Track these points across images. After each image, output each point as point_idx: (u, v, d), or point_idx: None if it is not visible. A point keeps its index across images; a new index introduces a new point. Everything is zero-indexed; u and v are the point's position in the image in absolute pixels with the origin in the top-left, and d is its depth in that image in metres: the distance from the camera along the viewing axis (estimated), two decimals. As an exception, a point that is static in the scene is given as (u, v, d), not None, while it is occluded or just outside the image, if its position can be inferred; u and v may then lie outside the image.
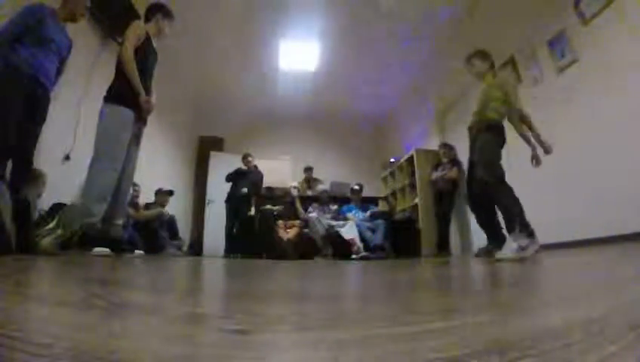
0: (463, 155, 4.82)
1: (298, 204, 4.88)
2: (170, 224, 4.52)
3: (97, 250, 2.04)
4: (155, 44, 2.51)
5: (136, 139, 2.40)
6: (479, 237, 4.43)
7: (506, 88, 2.46)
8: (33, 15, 2.09)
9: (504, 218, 2.26)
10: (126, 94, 2.26)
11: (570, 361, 0.21)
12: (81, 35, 3.09)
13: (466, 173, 2.70)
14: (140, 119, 2.42)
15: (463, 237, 4.76)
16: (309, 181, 6.04)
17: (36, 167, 2.52)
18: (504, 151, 2.44)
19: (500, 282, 0.93)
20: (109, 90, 2.27)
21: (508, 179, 2.36)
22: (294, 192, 5.08)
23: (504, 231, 2.36)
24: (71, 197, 3.11)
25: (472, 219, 4.57)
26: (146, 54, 2.33)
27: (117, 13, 3.51)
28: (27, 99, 2.05)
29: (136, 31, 2.31)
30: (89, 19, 3.39)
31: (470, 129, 2.62)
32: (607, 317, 0.35)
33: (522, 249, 1.99)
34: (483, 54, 2.74)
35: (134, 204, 3.93)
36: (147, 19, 2.51)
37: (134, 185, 3.75)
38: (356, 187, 5.04)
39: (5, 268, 1.05)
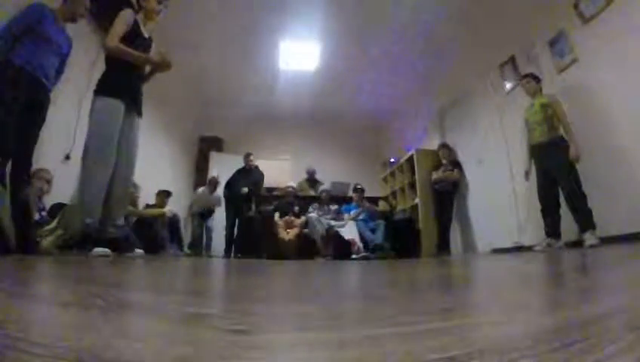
0: (463, 155, 4.83)
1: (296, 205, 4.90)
2: (173, 224, 4.52)
3: (97, 250, 2.04)
4: (146, 33, 2.43)
5: (130, 132, 2.32)
6: (481, 238, 4.44)
7: (556, 107, 2.98)
8: (33, 15, 2.09)
9: (580, 216, 2.69)
10: (114, 85, 2.22)
11: (570, 361, 0.21)
12: (81, 34, 3.09)
13: (539, 179, 3.09)
14: (135, 111, 2.36)
15: (464, 237, 4.76)
16: (312, 181, 6.04)
17: (38, 167, 2.52)
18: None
19: (500, 281, 0.93)
20: (98, 83, 2.24)
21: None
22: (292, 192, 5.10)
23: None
24: (71, 197, 3.12)
25: (474, 219, 4.59)
26: (131, 42, 2.26)
27: (117, 13, 3.50)
28: (27, 99, 2.05)
29: (121, 20, 2.26)
30: (89, 20, 3.39)
31: (540, 145, 3.05)
32: (607, 317, 0.35)
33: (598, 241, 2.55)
34: (535, 76, 3.24)
35: (134, 205, 3.92)
36: (139, 9, 2.45)
37: (134, 185, 3.75)
38: (359, 186, 5.04)
39: (5, 268, 1.05)
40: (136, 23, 2.34)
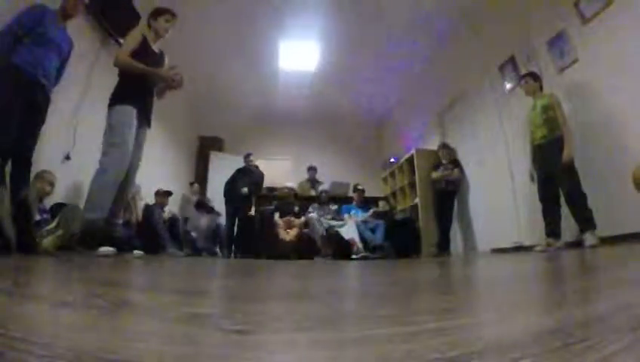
0: (463, 155, 4.83)
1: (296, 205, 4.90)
2: (172, 224, 4.51)
3: (102, 249, 2.04)
4: (156, 48, 2.53)
5: (137, 141, 2.40)
6: (481, 238, 4.44)
7: (556, 107, 2.97)
8: (34, 15, 2.09)
9: (580, 216, 2.69)
10: (124, 94, 2.30)
11: (570, 361, 0.21)
12: (81, 35, 3.09)
13: (540, 179, 3.08)
14: (145, 121, 2.44)
15: (464, 237, 4.76)
16: (313, 181, 6.03)
17: (39, 167, 2.52)
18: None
19: (500, 281, 0.92)
20: (110, 96, 2.33)
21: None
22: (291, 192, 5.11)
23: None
24: (71, 197, 3.11)
25: (474, 219, 4.59)
26: (142, 58, 2.35)
27: (117, 14, 3.51)
28: (27, 100, 2.05)
29: (130, 37, 2.39)
30: (89, 19, 3.39)
31: (540, 146, 3.05)
32: (607, 317, 0.35)
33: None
34: (534, 75, 3.23)
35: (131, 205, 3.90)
36: (149, 26, 2.56)
37: (136, 186, 3.73)
38: (360, 187, 5.04)
39: (5, 268, 1.05)
40: (145, 40, 2.44)
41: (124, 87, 2.32)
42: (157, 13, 2.55)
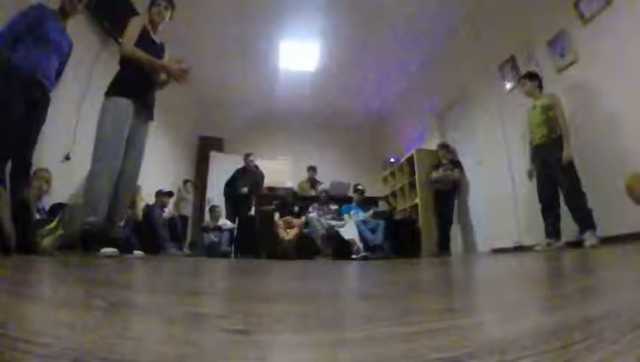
0: (463, 155, 4.83)
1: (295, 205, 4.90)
2: (172, 224, 4.51)
3: (105, 250, 2.03)
4: (156, 39, 2.48)
5: (138, 132, 2.33)
6: (481, 238, 4.44)
7: (555, 107, 2.96)
8: (34, 15, 2.09)
9: (580, 216, 2.69)
10: (122, 85, 2.24)
11: (570, 361, 0.21)
12: (81, 35, 3.10)
13: (539, 179, 3.08)
14: (146, 114, 2.38)
15: (464, 237, 4.76)
16: (312, 181, 6.03)
17: (38, 166, 2.53)
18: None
19: (500, 281, 0.92)
20: (108, 86, 2.26)
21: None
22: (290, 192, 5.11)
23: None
24: (71, 198, 3.12)
25: (474, 219, 4.59)
26: (142, 48, 2.29)
27: (117, 13, 3.51)
28: (27, 100, 2.05)
29: (130, 26, 2.31)
30: (89, 19, 3.40)
31: (540, 146, 3.05)
32: (607, 317, 0.35)
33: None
34: (532, 75, 3.22)
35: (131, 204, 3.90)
36: (148, 17, 2.50)
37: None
38: (360, 187, 5.04)
39: (5, 268, 1.05)
40: (146, 30, 2.39)
41: (124, 78, 2.26)
42: (152, 1, 2.49)
